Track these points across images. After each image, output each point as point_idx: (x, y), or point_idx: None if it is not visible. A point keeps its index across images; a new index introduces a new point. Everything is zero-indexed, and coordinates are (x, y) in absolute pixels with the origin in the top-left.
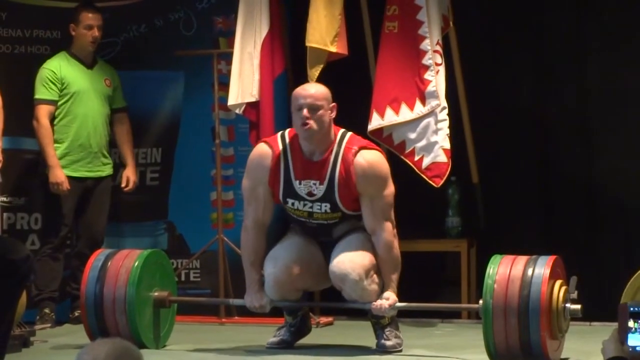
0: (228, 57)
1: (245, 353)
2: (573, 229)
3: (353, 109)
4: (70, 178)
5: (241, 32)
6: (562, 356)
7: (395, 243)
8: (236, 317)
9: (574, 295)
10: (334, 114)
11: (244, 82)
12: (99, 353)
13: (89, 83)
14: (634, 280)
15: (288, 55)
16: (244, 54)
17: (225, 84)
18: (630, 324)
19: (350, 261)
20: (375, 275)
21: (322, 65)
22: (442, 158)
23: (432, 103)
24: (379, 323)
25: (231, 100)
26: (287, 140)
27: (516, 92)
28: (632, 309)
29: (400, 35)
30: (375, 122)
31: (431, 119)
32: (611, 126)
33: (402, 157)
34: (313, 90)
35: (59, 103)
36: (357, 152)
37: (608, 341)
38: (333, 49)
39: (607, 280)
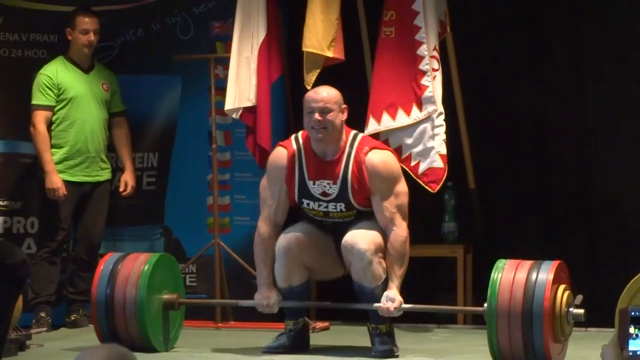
0: (225, 62)
1: (241, 357)
2: (569, 234)
3: (350, 113)
4: (68, 182)
5: (238, 36)
6: None
7: (408, 241)
8: (232, 322)
9: (578, 303)
10: (345, 116)
11: (241, 87)
12: (95, 358)
13: (86, 88)
14: (630, 286)
15: (285, 60)
16: (241, 58)
17: (222, 89)
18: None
19: (361, 234)
20: (382, 260)
21: (318, 70)
22: (439, 163)
23: (429, 108)
24: (377, 328)
25: (228, 105)
26: (301, 141)
27: (513, 97)
28: (633, 313)
29: (397, 41)
30: (372, 127)
31: (428, 125)
32: (609, 132)
33: (399, 162)
34: (324, 93)
35: (57, 108)
36: (368, 152)
37: (607, 346)
38: (330, 53)
39: (604, 286)
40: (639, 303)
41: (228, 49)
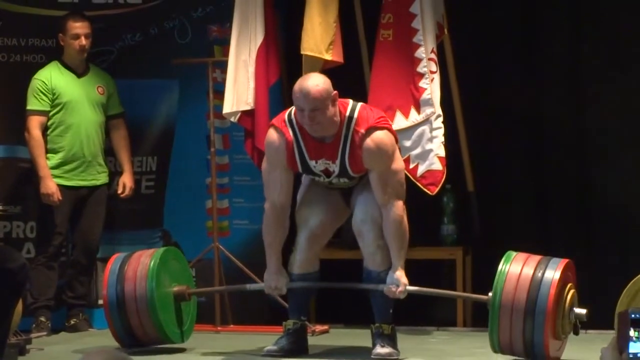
0: (223, 66)
1: None
2: (568, 236)
3: None
4: (64, 187)
5: (236, 40)
6: None
7: (405, 219)
8: (232, 326)
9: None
10: (336, 102)
11: (239, 90)
12: None
13: (81, 92)
14: (629, 288)
15: (283, 63)
16: (239, 62)
17: (220, 92)
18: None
19: (370, 217)
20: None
21: None
22: (437, 166)
23: (427, 111)
24: (381, 328)
25: (226, 109)
26: (295, 124)
27: (511, 99)
28: (633, 315)
29: (395, 43)
30: None
31: (426, 127)
32: (609, 133)
33: None
34: (312, 94)
35: (52, 113)
36: (364, 134)
37: (606, 349)
38: (328, 56)
39: (603, 287)
40: (638, 305)
41: (226, 53)
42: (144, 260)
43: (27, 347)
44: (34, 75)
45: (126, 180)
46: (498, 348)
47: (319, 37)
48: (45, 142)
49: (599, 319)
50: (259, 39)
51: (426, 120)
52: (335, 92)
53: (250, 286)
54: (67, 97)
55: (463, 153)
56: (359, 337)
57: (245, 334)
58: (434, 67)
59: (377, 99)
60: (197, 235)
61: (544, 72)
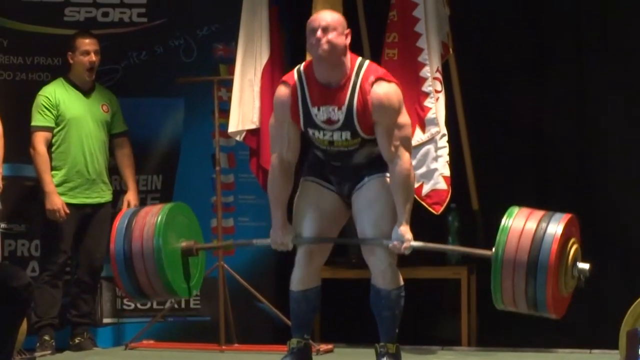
0: (228, 84)
1: None
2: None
3: None
4: (68, 205)
5: (241, 59)
6: None
7: (412, 174)
8: (236, 345)
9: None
10: (348, 40)
11: (245, 109)
12: None
13: (85, 109)
14: (634, 307)
15: None
16: (245, 81)
17: (225, 111)
18: None
19: (379, 233)
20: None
21: None
22: (442, 185)
23: (432, 130)
24: (385, 347)
25: (231, 127)
26: (302, 70)
27: (516, 118)
28: None
29: (400, 63)
30: None
31: (431, 146)
32: (613, 152)
33: None
34: (328, 15)
35: (56, 130)
36: (374, 82)
37: None
38: None
39: (607, 307)
40: None
41: (231, 72)
42: (150, 217)
43: None
44: (39, 92)
45: (131, 199)
46: (501, 304)
47: None
48: (50, 159)
49: (603, 339)
50: (265, 57)
51: (431, 140)
52: (349, 30)
53: (256, 241)
54: (71, 114)
55: (468, 172)
56: (363, 356)
57: (250, 353)
58: (439, 87)
59: None
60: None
61: (549, 92)
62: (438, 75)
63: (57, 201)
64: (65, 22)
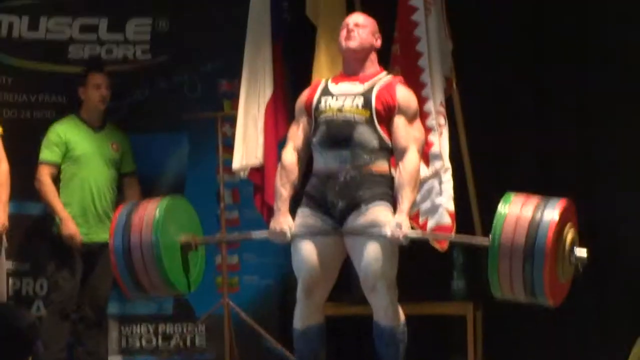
0: (232, 120)
1: None
2: (577, 287)
3: None
4: None
5: (245, 94)
6: None
7: (419, 168)
8: None
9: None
10: (378, 43)
11: (249, 145)
12: None
13: (95, 147)
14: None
15: (292, 118)
16: (248, 116)
17: (229, 147)
18: None
19: (381, 272)
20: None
21: None
22: (447, 220)
23: (436, 165)
24: None
25: (236, 163)
26: (331, 76)
27: (520, 153)
28: None
29: None
30: None
31: (435, 181)
32: (618, 186)
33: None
34: (361, 15)
35: (64, 166)
36: (399, 82)
37: None
38: None
39: (613, 340)
40: None
41: (235, 107)
42: (150, 210)
43: None
44: (50, 127)
45: None
46: (499, 291)
47: None
48: (58, 195)
49: None
50: (268, 93)
51: (435, 174)
52: (380, 36)
53: (255, 233)
54: (80, 151)
55: (472, 207)
56: None
57: None
58: (442, 121)
59: None
60: (207, 290)
61: (553, 125)
62: (441, 109)
63: (72, 226)
64: (70, 59)
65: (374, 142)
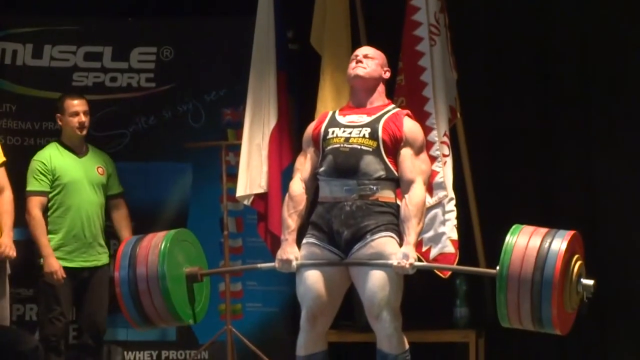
0: (236, 149)
1: None
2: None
3: None
4: (66, 269)
5: (249, 123)
6: None
7: (425, 202)
8: None
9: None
10: (387, 75)
11: (252, 174)
12: None
13: (81, 172)
14: None
15: (296, 147)
16: (252, 145)
17: (233, 176)
18: None
19: (385, 300)
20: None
21: None
22: (450, 249)
23: (440, 194)
24: None
25: (239, 192)
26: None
27: (524, 182)
28: None
29: None
30: None
31: (439, 210)
32: (623, 213)
33: None
34: (370, 48)
35: (52, 194)
36: (406, 115)
37: None
38: None
39: None
40: None
41: (239, 136)
42: (155, 242)
43: None
44: (34, 157)
45: None
46: (507, 321)
47: None
48: (46, 223)
49: None
50: (272, 122)
51: (439, 204)
52: (389, 69)
53: (261, 265)
54: (67, 178)
55: (476, 235)
56: None
57: None
58: (446, 151)
59: None
60: (210, 317)
61: (558, 156)
62: (445, 139)
63: (54, 264)
64: (74, 87)
65: (380, 172)
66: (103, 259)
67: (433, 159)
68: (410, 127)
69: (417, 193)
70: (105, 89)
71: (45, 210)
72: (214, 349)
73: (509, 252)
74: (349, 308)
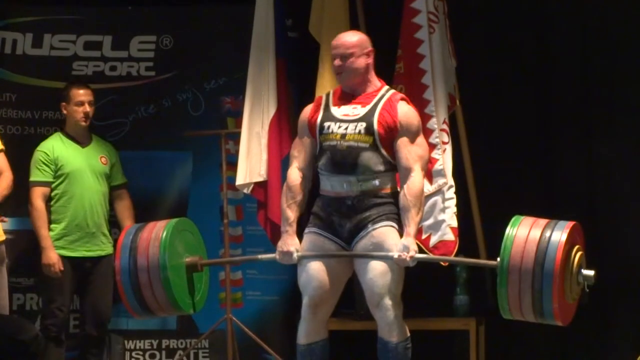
0: (236, 137)
1: None
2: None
3: None
4: (69, 258)
5: (249, 112)
6: None
7: (423, 190)
8: None
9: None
10: (370, 60)
11: (252, 162)
12: None
13: (84, 162)
14: None
15: (295, 135)
16: (252, 133)
17: (233, 164)
18: None
19: (386, 289)
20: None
21: None
22: (450, 236)
23: (439, 181)
24: None
25: (239, 180)
26: (331, 90)
27: (524, 169)
28: None
29: None
30: None
31: (438, 198)
32: (623, 200)
33: None
34: (345, 39)
35: (55, 184)
36: (400, 99)
37: None
38: None
39: (616, 356)
40: None
41: (239, 125)
42: (156, 232)
43: None
44: (37, 147)
45: None
46: (508, 313)
47: None
48: (49, 212)
49: None
50: (272, 110)
51: (438, 191)
52: (371, 49)
53: (262, 256)
54: (70, 168)
55: (475, 222)
56: None
57: None
58: (445, 138)
59: None
60: (211, 306)
61: (557, 141)
62: (445, 127)
63: (52, 256)
64: (74, 76)
65: (379, 166)
66: (107, 249)
67: (432, 146)
68: (405, 112)
69: (415, 182)
70: (105, 78)
71: (48, 200)
72: (214, 337)
73: (509, 245)
74: (350, 296)
